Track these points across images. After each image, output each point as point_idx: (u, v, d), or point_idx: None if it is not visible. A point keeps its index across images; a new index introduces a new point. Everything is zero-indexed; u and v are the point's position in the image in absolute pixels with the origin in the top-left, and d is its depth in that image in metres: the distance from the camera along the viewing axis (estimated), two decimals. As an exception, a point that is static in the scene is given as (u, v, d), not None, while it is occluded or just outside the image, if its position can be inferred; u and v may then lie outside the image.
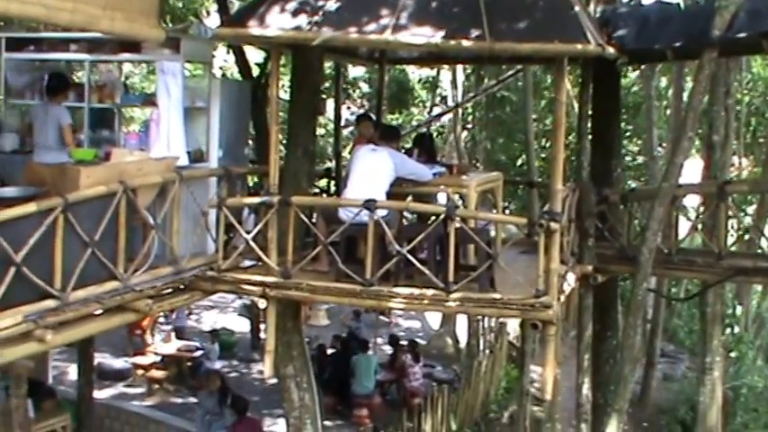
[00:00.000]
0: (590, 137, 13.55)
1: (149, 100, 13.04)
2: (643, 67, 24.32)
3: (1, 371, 12.39)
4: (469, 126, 32.21)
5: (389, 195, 11.43)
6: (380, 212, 10.76)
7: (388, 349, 22.94)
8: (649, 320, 25.50)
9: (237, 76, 20.49)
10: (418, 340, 26.36)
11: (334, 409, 19.58)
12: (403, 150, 13.09)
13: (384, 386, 21.17)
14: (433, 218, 10.97)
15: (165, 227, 11.02)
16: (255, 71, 18.39)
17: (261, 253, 11.17)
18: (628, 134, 28.33)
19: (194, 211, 11.59)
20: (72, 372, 19.01)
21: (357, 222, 10.85)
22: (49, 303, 9.30)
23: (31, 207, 9.13)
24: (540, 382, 13.63)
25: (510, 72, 24.48)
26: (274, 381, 14.82)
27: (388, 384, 21.42)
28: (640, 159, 30.18)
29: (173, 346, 22.59)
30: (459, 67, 28.98)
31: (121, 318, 10.58)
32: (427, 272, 10.59)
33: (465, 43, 10.11)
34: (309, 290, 11.02)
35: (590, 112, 13.50)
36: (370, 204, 10.67)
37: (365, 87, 34.81)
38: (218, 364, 22.00)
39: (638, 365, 16.69)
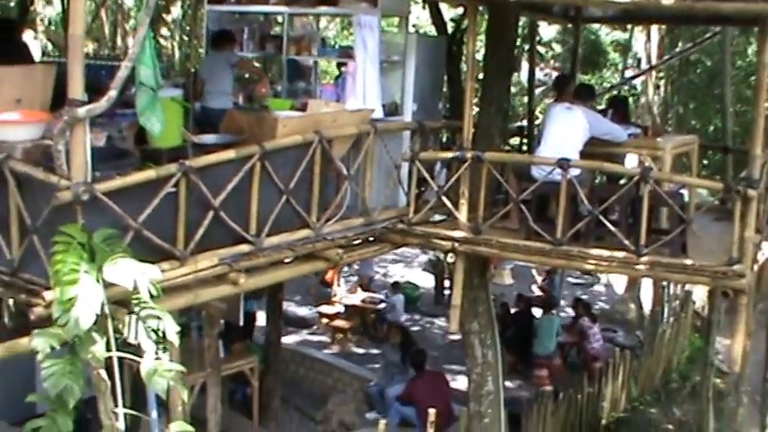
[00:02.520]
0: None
1: (345, 53, 13.14)
2: None
3: (196, 311, 12.80)
4: (662, 89, 31.53)
5: (583, 155, 11.29)
6: (573, 172, 10.64)
7: (572, 312, 22.68)
8: None
9: (430, 33, 20.51)
10: (601, 304, 26.08)
11: (513, 369, 19.51)
12: (596, 111, 12.88)
13: (565, 348, 20.98)
14: (626, 179, 10.79)
15: (357, 178, 11.14)
16: (450, 28, 18.33)
17: (452, 208, 11.20)
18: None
19: (387, 163, 11.68)
20: (260, 317, 19.44)
21: (549, 181, 10.77)
22: (244, 248, 9.56)
23: (229, 154, 9.36)
24: (726, 353, 13.27)
25: (707, 35, 23.75)
26: (456, 337, 14.88)
27: (569, 347, 21.20)
28: None
29: (357, 298, 22.93)
30: (654, 29, 28.28)
31: (311, 265, 10.80)
32: (618, 234, 10.44)
33: (665, 2, 9.85)
34: (499, 247, 11.01)
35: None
36: (563, 163, 10.56)
37: (557, 49, 34.48)
38: (401, 318, 22.17)
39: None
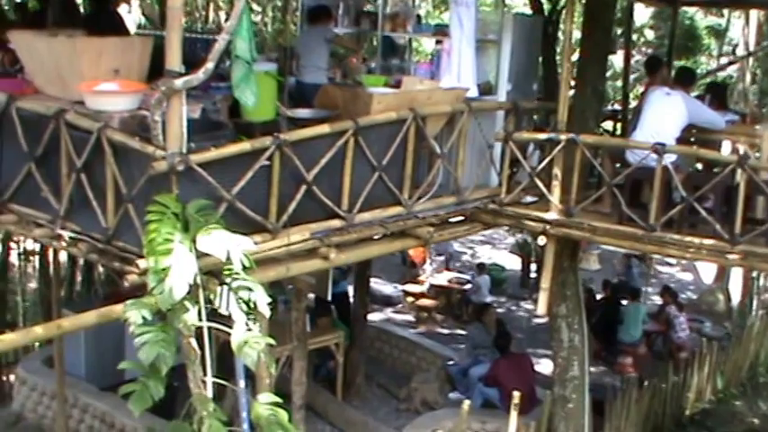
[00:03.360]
0: None
1: (441, 30, 13.05)
2: None
3: (285, 284, 12.84)
4: (758, 77, 30.99)
5: (679, 141, 11.10)
6: (669, 158, 10.46)
7: (658, 300, 22.41)
8: None
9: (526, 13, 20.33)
10: (689, 294, 25.74)
11: (598, 355, 19.33)
12: (694, 96, 12.67)
13: (650, 337, 20.74)
14: (722, 167, 10.58)
15: (450, 157, 11.06)
16: (546, 9, 18.18)
17: (545, 189, 11.09)
18: None
19: (480, 143, 11.60)
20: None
21: (644, 166, 10.61)
22: (335, 223, 9.59)
23: (324, 128, 9.37)
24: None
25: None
26: (541, 320, 14.75)
27: (655, 335, 20.96)
28: None
29: (444, 277, 22.89)
30: (753, 14, 27.74)
31: (402, 243, 10.82)
32: (713, 222, 10.25)
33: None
34: (590, 230, 10.89)
35: None
36: (658, 148, 10.40)
37: (650, 35, 34.09)
38: (487, 299, 22.05)
39: None
